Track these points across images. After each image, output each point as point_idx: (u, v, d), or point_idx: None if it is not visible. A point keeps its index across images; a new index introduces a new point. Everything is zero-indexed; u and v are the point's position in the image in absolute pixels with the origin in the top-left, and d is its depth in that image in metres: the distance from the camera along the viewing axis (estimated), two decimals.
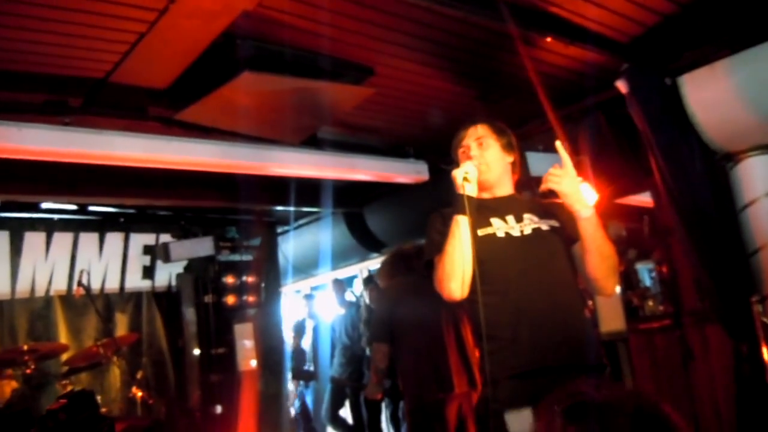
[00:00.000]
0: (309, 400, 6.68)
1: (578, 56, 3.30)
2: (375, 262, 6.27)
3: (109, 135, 3.37)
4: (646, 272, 5.21)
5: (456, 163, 2.23)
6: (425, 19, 2.91)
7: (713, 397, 3.57)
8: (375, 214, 5.45)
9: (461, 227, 2.00)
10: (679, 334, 3.58)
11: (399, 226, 5.25)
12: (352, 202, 5.49)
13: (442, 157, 4.63)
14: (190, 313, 5.28)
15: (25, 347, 3.82)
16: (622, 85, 3.24)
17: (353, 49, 3.09)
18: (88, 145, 3.33)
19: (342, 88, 3.24)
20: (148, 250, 5.25)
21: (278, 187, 4.88)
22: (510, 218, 2.12)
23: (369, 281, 5.50)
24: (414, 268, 3.69)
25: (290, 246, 6.36)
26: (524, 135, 3.87)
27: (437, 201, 4.68)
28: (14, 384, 3.81)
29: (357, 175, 4.42)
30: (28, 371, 3.79)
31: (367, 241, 5.72)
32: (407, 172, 4.53)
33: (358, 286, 6.72)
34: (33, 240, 4.79)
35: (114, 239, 5.14)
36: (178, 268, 5.33)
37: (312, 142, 4.10)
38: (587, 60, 3.32)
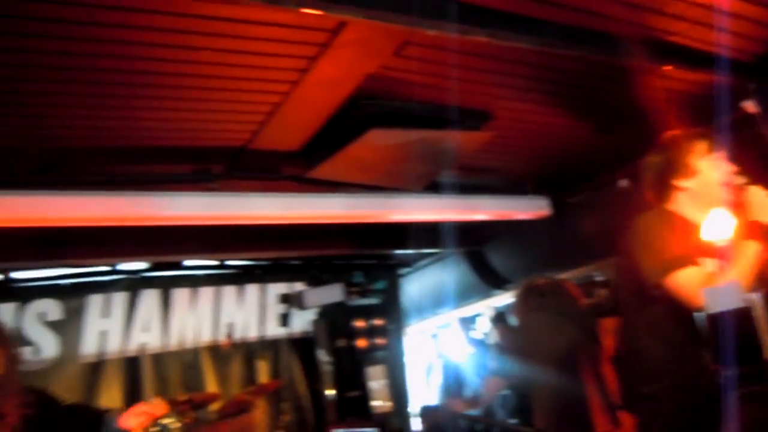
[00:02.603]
0: None
1: (701, 80, 3.24)
2: (499, 300, 6.26)
3: (248, 197, 3.65)
4: None
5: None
6: (539, 61, 2.98)
7: None
8: (497, 251, 5.47)
9: None
10: None
11: (522, 262, 5.24)
12: (473, 240, 5.55)
13: (563, 190, 4.63)
14: (325, 358, 5.50)
15: (184, 398, 4.11)
16: (750, 106, 3.14)
17: (472, 96, 3.20)
18: (230, 207, 3.62)
19: (462, 134, 3.35)
20: (283, 299, 5.54)
21: (399, 231, 5.03)
22: None
23: (498, 319, 5.50)
24: (547, 304, 3.68)
25: (413, 287, 6.48)
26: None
27: (560, 235, 4.64)
28: None
29: (477, 215, 4.49)
30: (187, 420, 4.08)
31: (490, 279, 5.74)
32: (528, 208, 4.55)
33: (483, 324, 6.71)
34: (180, 296, 5.20)
35: (252, 290, 5.48)
36: (311, 314, 5.59)
37: (431, 186, 4.23)
38: (710, 83, 3.24)
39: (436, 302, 6.63)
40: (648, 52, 2.87)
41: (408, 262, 6.45)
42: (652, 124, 3.04)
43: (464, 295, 6.36)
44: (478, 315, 7.08)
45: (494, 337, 5.59)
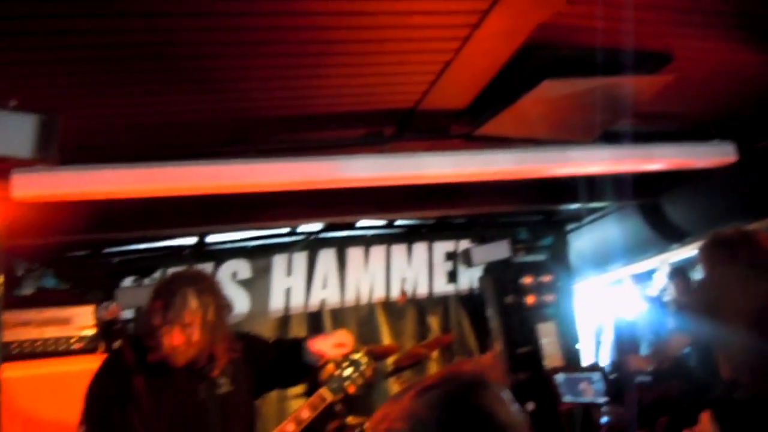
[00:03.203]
0: None
1: None
2: (677, 254, 5.92)
3: (418, 157, 3.72)
4: None
5: None
6: None
7: None
8: (675, 202, 5.15)
9: None
10: None
11: (704, 213, 4.90)
12: (647, 192, 5.27)
13: (752, 134, 4.25)
14: (493, 314, 5.55)
15: (365, 350, 4.35)
16: None
17: (650, 38, 3.02)
18: (401, 167, 3.71)
19: (638, 79, 3.18)
20: (450, 256, 5.65)
21: (567, 185, 4.91)
22: None
23: (676, 273, 5.21)
24: (738, 256, 3.44)
25: (582, 242, 6.30)
26: None
27: (748, 183, 4.28)
28: None
29: (653, 165, 4.24)
30: (368, 371, 4.33)
31: (666, 233, 5.43)
32: (711, 155, 4.21)
33: (659, 280, 6.39)
34: (354, 254, 5.47)
35: (420, 248, 5.65)
36: (478, 271, 5.65)
37: (603, 136, 4.05)
38: None
39: (606, 258, 6.39)
40: None
41: (576, 217, 6.26)
42: None
43: (637, 251, 6.06)
44: (653, 270, 6.75)
45: (672, 294, 5.31)
